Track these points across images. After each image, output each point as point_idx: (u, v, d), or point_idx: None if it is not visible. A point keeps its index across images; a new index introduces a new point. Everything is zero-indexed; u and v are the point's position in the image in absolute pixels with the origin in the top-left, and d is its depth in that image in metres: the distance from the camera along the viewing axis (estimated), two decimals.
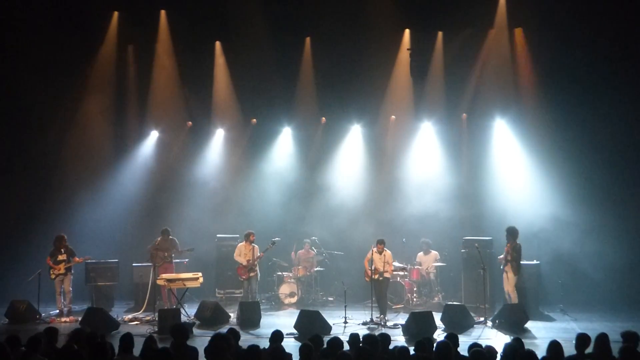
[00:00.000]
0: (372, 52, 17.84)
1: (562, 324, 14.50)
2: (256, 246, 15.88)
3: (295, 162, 19.05)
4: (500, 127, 17.98)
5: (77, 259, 15.56)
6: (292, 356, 8.16)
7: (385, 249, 14.78)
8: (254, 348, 7.49)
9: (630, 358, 7.34)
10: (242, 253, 15.82)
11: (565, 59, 16.69)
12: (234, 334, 8.61)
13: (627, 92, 16.59)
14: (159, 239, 15.86)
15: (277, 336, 8.71)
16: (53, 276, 15.33)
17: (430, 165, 18.20)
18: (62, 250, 15.42)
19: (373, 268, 14.49)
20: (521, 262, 14.77)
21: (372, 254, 14.64)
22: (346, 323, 14.02)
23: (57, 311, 15.30)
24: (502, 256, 14.82)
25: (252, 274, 15.70)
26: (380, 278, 14.60)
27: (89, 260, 16.03)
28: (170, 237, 16.04)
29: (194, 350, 8.27)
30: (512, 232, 14.74)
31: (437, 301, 16.32)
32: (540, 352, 7.92)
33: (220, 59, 18.89)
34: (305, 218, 18.24)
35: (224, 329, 11.52)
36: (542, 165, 17.18)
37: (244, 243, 15.93)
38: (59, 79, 17.50)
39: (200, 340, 8.66)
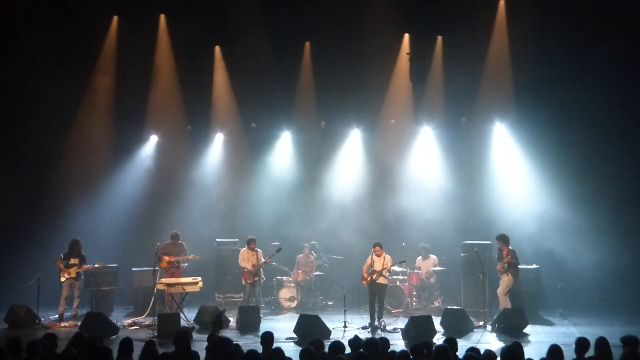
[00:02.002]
0: (371, 56, 17.84)
1: (562, 328, 14.47)
2: (259, 250, 15.89)
3: (295, 166, 19.08)
4: (499, 131, 18.00)
5: (85, 265, 15.56)
6: None
7: (384, 253, 14.73)
8: (252, 353, 7.47)
9: None
10: (245, 258, 15.82)
11: (564, 64, 16.72)
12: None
13: (627, 95, 16.59)
14: (159, 243, 15.78)
15: (268, 338, 8.66)
16: (63, 279, 15.35)
17: (430, 170, 18.22)
18: (75, 254, 15.45)
19: (371, 271, 14.47)
20: (519, 266, 14.82)
21: (372, 259, 14.61)
22: (346, 327, 14.02)
23: (57, 316, 15.27)
24: (499, 265, 14.73)
25: (256, 278, 15.69)
26: (378, 281, 14.53)
27: (100, 267, 16.07)
28: (180, 242, 16.02)
29: (196, 356, 8.26)
30: (504, 239, 14.68)
31: (436, 305, 16.32)
32: (541, 356, 7.92)
33: (219, 64, 18.93)
34: (305, 222, 18.26)
35: (224, 334, 11.55)
36: (542, 169, 17.18)
37: (245, 249, 15.92)
38: (59, 83, 17.47)
39: (200, 344, 8.64)
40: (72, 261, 15.45)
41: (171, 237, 16.04)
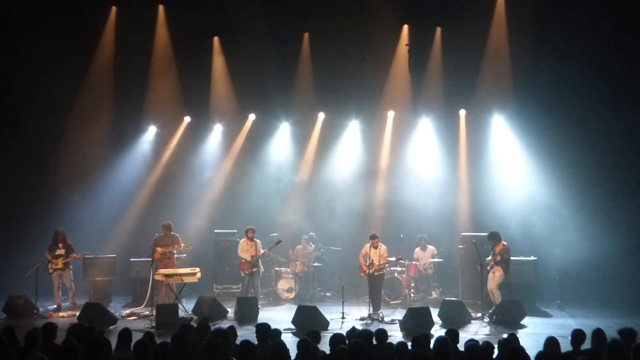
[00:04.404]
0: (370, 47, 17.81)
1: (559, 320, 14.50)
2: (258, 241, 15.90)
3: (293, 157, 19.08)
4: (498, 123, 17.99)
5: (74, 254, 15.55)
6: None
7: (380, 243, 14.80)
8: (247, 343, 7.47)
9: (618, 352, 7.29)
10: (245, 249, 15.82)
11: (564, 55, 16.68)
12: (232, 331, 8.61)
13: (625, 85, 16.57)
14: (157, 234, 15.77)
15: (265, 331, 8.65)
16: (51, 270, 15.34)
17: (428, 161, 18.21)
18: (60, 245, 15.42)
19: (369, 263, 14.53)
20: (515, 258, 14.94)
21: (368, 249, 14.69)
22: (344, 318, 14.05)
23: (55, 306, 15.31)
24: (489, 258, 14.75)
25: (254, 270, 15.70)
26: (376, 273, 14.64)
27: (87, 256, 16.08)
28: (172, 232, 15.99)
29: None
30: (495, 237, 14.69)
31: (434, 297, 16.35)
32: (538, 347, 7.93)
33: (218, 55, 18.89)
34: (303, 213, 18.30)
35: (222, 324, 11.57)
36: (540, 160, 17.17)
37: (245, 239, 15.93)
38: (57, 74, 17.46)
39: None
40: (58, 252, 15.45)
41: (163, 228, 15.93)
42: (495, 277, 14.55)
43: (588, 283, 16.24)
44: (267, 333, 8.56)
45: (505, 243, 14.64)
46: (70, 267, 15.67)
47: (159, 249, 15.56)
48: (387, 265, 15.08)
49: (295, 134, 19.24)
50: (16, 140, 17.84)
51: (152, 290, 15.22)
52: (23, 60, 17.24)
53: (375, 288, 14.67)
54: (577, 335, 8.00)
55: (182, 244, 15.81)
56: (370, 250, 14.71)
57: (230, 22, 18.05)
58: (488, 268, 14.65)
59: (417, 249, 16.95)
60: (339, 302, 14.56)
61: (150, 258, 15.41)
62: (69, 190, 17.89)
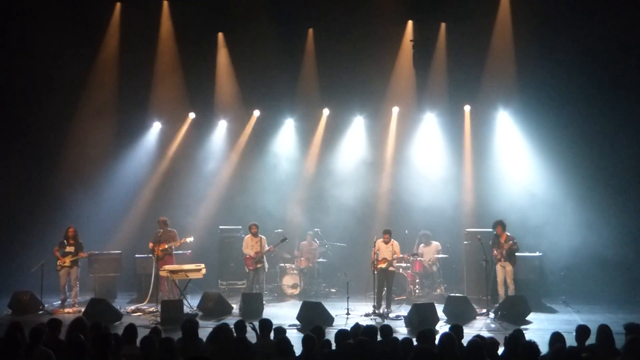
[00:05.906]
0: (375, 43, 17.78)
1: (565, 315, 14.49)
2: (263, 237, 15.90)
3: (298, 153, 19.08)
4: (503, 118, 17.95)
5: (82, 253, 15.46)
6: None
7: (392, 239, 14.80)
8: (242, 339, 7.46)
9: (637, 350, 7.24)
10: (249, 245, 15.83)
11: (568, 50, 16.63)
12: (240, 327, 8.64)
13: (628, 83, 16.53)
14: (159, 231, 15.78)
15: (267, 326, 8.65)
16: (59, 267, 15.28)
17: (433, 157, 18.19)
18: (71, 242, 15.37)
19: (378, 259, 14.49)
20: (520, 254, 14.98)
21: (379, 244, 14.67)
22: (348, 314, 14.04)
23: (60, 302, 15.31)
24: (497, 252, 14.77)
25: (259, 265, 15.70)
26: (391, 268, 14.63)
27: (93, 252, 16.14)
28: (169, 228, 15.99)
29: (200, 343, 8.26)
30: (504, 225, 14.76)
31: (439, 293, 16.34)
32: (543, 343, 7.91)
33: (222, 50, 18.89)
34: (308, 209, 18.30)
35: (227, 320, 11.58)
36: (545, 156, 17.14)
37: (249, 235, 15.94)
38: (61, 70, 17.48)
39: (203, 331, 8.66)
40: (68, 249, 15.30)
41: (160, 224, 15.84)
42: (507, 271, 14.61)
43: (593, 278, 16.20)
44: (269, 328, 8.57)
45: (509, 234, 14.69)
46: (79, 265, 15.49)
47: (163, 246, 15.57)
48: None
49: (299, 129, 19.23)
50: (21, 137, 17.88)
51: (155, 287, 15.27)
52: (28, 58, 17.22)
53: (387, 285, 14.64)
54: (582, 331, 8.00)
55: (182, 238, 15.71)
56: (380, 244, 14.67)
57: (235, 18, 18.05)
58: (496, 261, 14.71)
59: (421, 246, 16.92)
60: (344, 298, 14.57)
61: (150, 255, 15.51)
62: (73, 186, 17.91)
